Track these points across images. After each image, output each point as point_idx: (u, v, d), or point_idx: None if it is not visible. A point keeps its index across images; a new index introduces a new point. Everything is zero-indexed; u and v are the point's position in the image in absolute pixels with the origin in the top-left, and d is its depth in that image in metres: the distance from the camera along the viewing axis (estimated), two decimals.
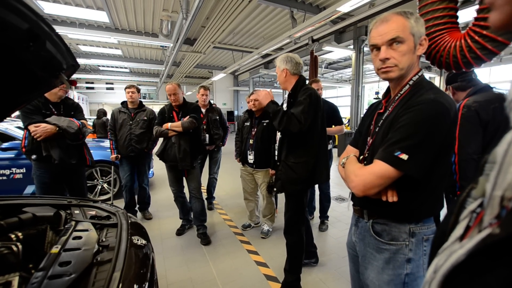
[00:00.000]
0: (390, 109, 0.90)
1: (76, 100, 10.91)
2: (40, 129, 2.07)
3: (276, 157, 2.03)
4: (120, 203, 3.56)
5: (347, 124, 8.97)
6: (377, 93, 9.57)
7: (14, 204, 1.24)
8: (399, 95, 0.88)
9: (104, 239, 1.05)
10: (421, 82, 0.85)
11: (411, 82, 0.85)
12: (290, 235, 1.92)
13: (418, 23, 0.80)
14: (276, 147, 1.95)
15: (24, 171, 3.18)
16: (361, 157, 0.98)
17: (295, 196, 1.85)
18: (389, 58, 0.82)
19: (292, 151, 1.78)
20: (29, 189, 3.20)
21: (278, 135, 1.91)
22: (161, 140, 2.70)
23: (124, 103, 3.10)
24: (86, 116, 2.55)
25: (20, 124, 3.93)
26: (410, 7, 5.18)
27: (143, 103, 3.21)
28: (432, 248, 0.40)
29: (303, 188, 1.82)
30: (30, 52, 0.88)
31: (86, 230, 1.06)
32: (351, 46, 7.57)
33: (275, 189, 1.89)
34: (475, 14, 0.90)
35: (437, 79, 10.09)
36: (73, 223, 1.12)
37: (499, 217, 0.25)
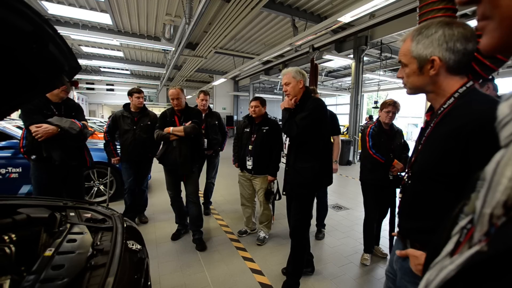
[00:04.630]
0: (432, 125, 0.83)
1: (76, 100, 10.90)
2: (42, 129, 2.06)
3: (284, 163, 2.14)
4: (116, 206, 3.53)
5: (345, 132, 9.01)
6: (376, 102, 9.64)
7: (8, 204, 1.22)
8: (442, 109, 0.80)
9: (98, 243, 1.03)
10: (471, 93, 0.76)
11: (456, 95, 0.77)
12: (296, 237, 2.00)
13: (420, 44, 0.77)
14: (284, 154, 2.09)
15: (20, 170, 3.16)
16: (405, 175, 0.94)
17: (303, 199, 1.94)
18: (401, 77, 0.87)
19: (299, 157, 1.91)
20: (24, 188, 3.17)
21: (287, 142, 2.05)
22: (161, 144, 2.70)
23: (126, 106, 3.05)
24: (85, 117, 2.54)
25: (19, 123, 3.93)
26: (410, 20, 5.28)
27: (146, 106, 3.18)
28: (425, 261, 0.40)
29: (311, 191, 1.94)
30: (32, 53, 0.88)
31: (81, 233, 1.05)
32: (351, 55, 7.67)
33: (283, 193, 2.03)
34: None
35: None
36: (68, 225, 1.11)
37: (488, 234, 0.26)
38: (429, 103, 0.89)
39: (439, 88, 0.80)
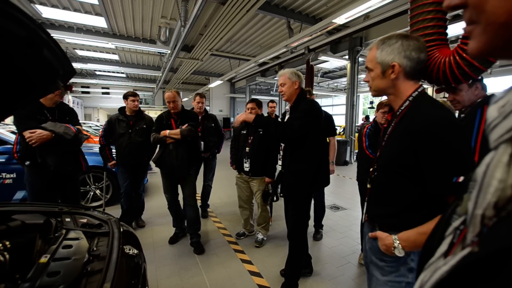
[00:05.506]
0: (393, 124, 0.94)
1: (71, 104, 10.82)
2: (36, 135, 2.03)
3: (281, 165, 2.14)
4: (112, 210, 3.50)
5: (342, 133, 9.06)
6: (371, 102, 9.73)
7: (2, 211, 1.21)
8: (400, 110, 0.92)
9: (95, 248, 1.03)
10: (421, 97, 0.89)
11: (411, 98, 0.90)
12: (294, 239, 2.00)
13: (384, 51, 0.89)
14: (280, 156, 2.08)
15: (15, 176, 3.12)
16: (371, 169, 1.04)
17: (300, 201, 1.94)
18: (367, 81, 1.00)
19: (295, 159, 1.91)
20: (19, 194, 3.13)
21: (283, 144, 2.04)
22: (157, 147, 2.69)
23: (122, 110, 3.04)
24: (80, 121, 2.52)
25: (13, 128, 3.89)
26: (404, 21, 5.36)
27: (142, 109, 3.17)
28: (419, 262, 0.41)
29: (307, 192, 1.94)
30: (26, 58, 0.88)
31: (77, 239, 1.04)
32: (347, 56, 7.72)
33: (280, 195, 2.02)
34: (463, 31, 0.93)
35: (429, 90, 10.32)
36: (63, 231, 1.10)
37: (481, 235, 0.26)
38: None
39: (398, 91, 0.92)
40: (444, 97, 1.92)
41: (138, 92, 3.08)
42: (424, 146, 0.80)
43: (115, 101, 18.30)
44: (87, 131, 7.94)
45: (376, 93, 0.99)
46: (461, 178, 0.75)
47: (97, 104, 19.17)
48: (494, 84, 9.64)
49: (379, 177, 0.99)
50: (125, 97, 2.97)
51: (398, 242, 0.87)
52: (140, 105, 3.09)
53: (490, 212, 0.25)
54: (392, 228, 0.92)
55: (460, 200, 0.35)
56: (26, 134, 2.04)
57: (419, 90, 0.90)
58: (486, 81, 1.66)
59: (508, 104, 0.26)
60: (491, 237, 0.24)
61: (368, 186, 1.06)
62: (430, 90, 10.44)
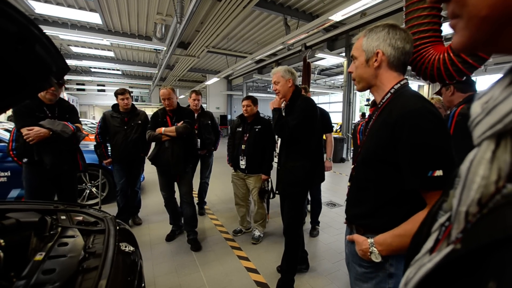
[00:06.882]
0: (374, 117, 0.91)
1: None
2: (33, 132, 2.01)
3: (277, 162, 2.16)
4: (108, 208, 3.49)
5: (338, 130, 9.10)
6: (368, 99, 9.77)
7: None
8: (381, 103, 0.89)
9: (90, 246, 1.03)
10: (403, 89, 0.85)
11: (392, 90, 0.86)
12: (290, 235, 2.02)
13: (369, 38, 0.87)
14: (276, 153, 2.11)
15: (9, 174, 3.09)
16: (352, 166, 1.00)
17: (296, 198, 1.96)
18: (351, 72, 0.96)
19: (290, 156, 1.93)
20: (14, 193, 3.10)
21: (279, 141, 2.07)
22: (153, 144, 2.68)
23: (115, 107, 3.02)
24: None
25: (7, 126, 3.84)
26: (400, 18, 5.38)
27: (135, 106, 3.16)
28: (406, 259, 0.40)
29: (302, 189, 1.97)
30: (17, 55, 0.86)
31: (73, 237, 1.04)
32: (343, 54, 7.73)
33: (275, 193, 2.04)
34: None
35: (425, 87, 10.38)
36: (59, 229, 1.09)
37: (465, 232, 0.26)
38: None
39: (380, 82, 0.89)
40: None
41: (134, 90, 3.08)
42: (400, 136, 0.76)
43: (111, 99, 17.94)
44: (83, 128, 7.86)
45: (360, 85, 0.94)
46: (437, 172, 0.70)
47: (92, 102, 18.95)
48: (490, 81, 9.72)
49: (358, 173, 0.94)
50: (115, 95, 2.96)
51: (374, 246, 0.82)
52: (135, 103, 3.07)
53: (473, 208, 0.26)
54: (369, 229, 0.88)
55: (446, 195, 0.35)
56: (24, 131, 2.02)
57: (401, 82, 0.86)
58: (481, 78, 1.68)
59: (491, 100, 0.26)
60: (472, 234, 0.25)
61: (348, 184, 1.01)
62: (426, 88, 10.51)
